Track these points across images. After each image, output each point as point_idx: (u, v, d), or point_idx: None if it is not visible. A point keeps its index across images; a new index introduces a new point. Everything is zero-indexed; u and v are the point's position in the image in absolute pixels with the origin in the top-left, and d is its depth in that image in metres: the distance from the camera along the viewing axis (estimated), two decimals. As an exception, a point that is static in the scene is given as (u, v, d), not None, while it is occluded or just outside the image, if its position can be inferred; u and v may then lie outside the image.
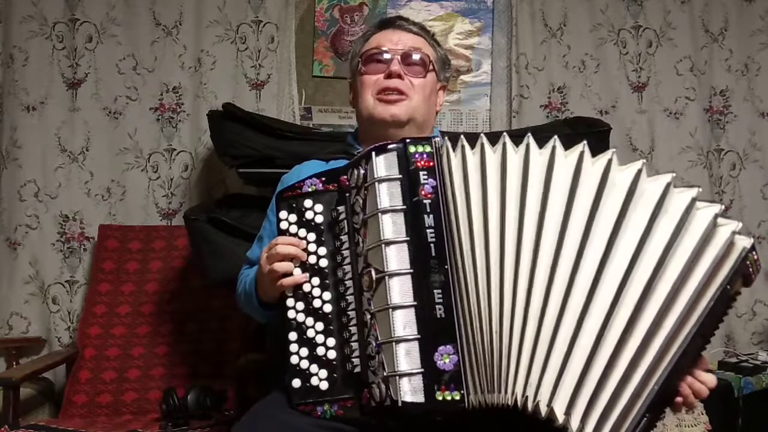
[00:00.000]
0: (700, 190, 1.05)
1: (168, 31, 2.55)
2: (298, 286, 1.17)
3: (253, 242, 1.48)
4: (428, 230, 1.08)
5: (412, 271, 1.08)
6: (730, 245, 1.03)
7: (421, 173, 1.10)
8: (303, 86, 2.64)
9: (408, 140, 1.12)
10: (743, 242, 1.04)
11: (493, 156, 1.10)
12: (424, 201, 1.09)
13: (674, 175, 1.06)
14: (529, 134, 1.10)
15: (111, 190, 2.53)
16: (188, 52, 2.55)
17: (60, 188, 2.50)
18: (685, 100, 2.72)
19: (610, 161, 1.06)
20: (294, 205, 1.20)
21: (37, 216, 2.48)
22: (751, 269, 1.05)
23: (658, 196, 1.04)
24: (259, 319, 1.41)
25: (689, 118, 2.72)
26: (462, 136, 1.12)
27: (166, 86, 2.55)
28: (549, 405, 1.02)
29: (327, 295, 1.16)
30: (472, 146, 1.11)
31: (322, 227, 1.19)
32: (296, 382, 1.14)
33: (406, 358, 1.05)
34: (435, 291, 1.06)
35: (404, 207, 1.09)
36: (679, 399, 1.08)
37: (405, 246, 1.08)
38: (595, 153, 1.11)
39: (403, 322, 1.06)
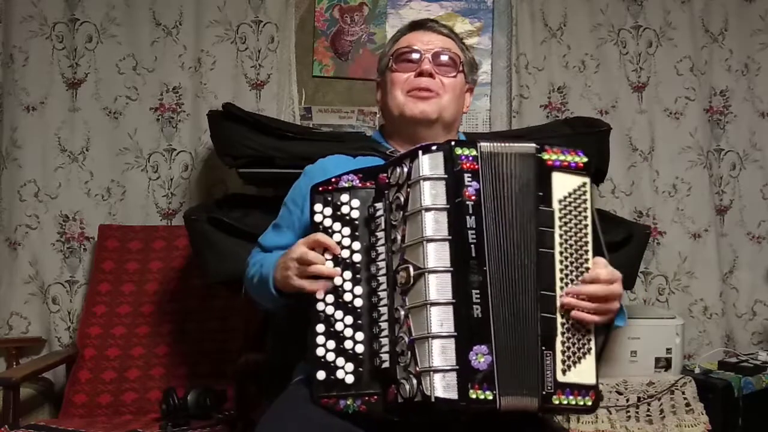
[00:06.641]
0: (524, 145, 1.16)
1: (168, 31, 2.54)
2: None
3: (269, 228, 1.47)
4: (470, 231, 1.10)
5: (452, 269, 1.09)
6: (529, 162, 1.15)
7: (465, 175, 1.11)
8: (303, 86, 2.64)
9: (453, 142, 1.14)
10: (528, 149, 1.15)
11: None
12: (467, 202, 1.10)
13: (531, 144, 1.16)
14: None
15: (111, 190, 2.52)
16: (188, 52, 2.55)
17: (60, 188, 2.50)
18: (685, 100, 2.72)
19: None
20: (330, 199, 1.21)
21: (37, 216, 2.48)
22: (562, 162, 1.15)
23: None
24: (265, 305, 1.38)
25: (689, 118, 2.71)
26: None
27: (166, 86, 2.54)
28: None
29: (358, 290, 1.17)
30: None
31: (357, 222, 1.20)
32: (321, 374, 1.15)
33: (441, 354, 1.06)
34: (473, 291, 1.08)
35: (447, 206, 1.11)
36: (575, 313, 1.12)
37: (446, 245, 1.10)
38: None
39: (440, 319, 1.07)
